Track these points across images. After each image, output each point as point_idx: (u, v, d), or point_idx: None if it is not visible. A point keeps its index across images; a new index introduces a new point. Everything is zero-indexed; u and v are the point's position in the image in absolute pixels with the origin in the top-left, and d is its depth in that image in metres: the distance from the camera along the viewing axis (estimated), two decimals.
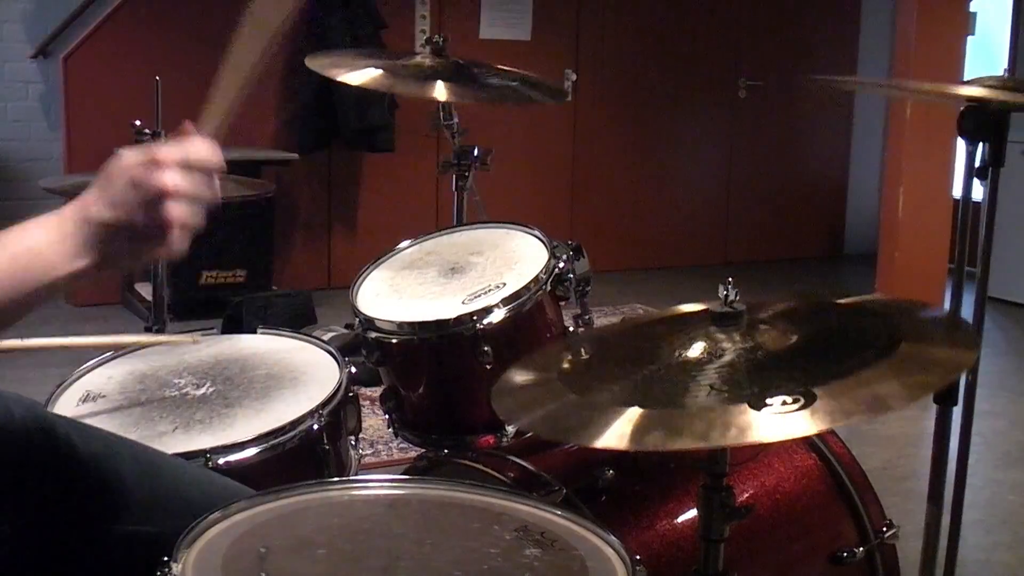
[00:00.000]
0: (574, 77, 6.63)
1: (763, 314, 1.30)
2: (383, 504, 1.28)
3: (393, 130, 5.94)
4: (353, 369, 1.91)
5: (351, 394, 1.88)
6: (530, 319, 1.99)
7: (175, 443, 1.67)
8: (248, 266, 5.42)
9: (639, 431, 1.11)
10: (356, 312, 2.06)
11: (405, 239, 2.29)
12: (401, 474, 1.75)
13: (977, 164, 1.91)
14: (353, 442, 1.92)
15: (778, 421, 1.08)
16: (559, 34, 6.60)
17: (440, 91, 2.37)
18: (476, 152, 2.57)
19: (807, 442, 1.80)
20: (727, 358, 1.22)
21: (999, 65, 6.69)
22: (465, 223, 2.48)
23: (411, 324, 2.00)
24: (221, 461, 1.64)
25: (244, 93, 1.28)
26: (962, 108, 1.86)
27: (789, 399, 1.09)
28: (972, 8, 5.15)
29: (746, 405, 1.10)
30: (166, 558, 1.08)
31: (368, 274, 2.19)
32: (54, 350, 1.89)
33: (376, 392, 2.17)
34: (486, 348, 1.92)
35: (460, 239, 2.27)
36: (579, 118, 6.75)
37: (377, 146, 5.92)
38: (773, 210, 7.42)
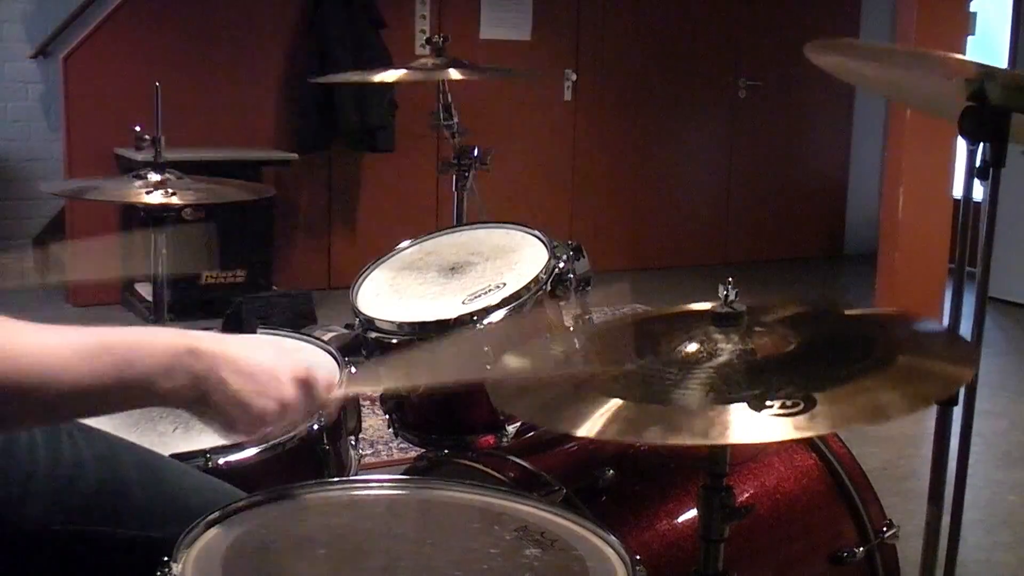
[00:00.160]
0: (574, 77, 6.66)
1: (763, 318, 1.30)
2: (383, 504, 1.28)
3: (393, 130, 5.94)
4: (353, 369, 1.91)
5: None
6: (530, 319, 1.99)
7: (175, 443, 1.67)
8: (248, 266, 5.42)
9: (615, 422, 1.11)
10: (356, 312, 2.06)
11: (405, 239, 2.29)
12: (401, 474, 1.75)
13: (977, 164, 1.91)
14: (353, 442, 1.92)
15: (778, 423, 1.08)
16: (559, 34, 6.60)
17: (451, 75, 2.38)
18: (476, 152, 2.57)
19: (807, 442, 1.80)
20: (722, 359, 1.22)
21: (999, 65, 6.68)
22: (465, 223, 2.48)
23: (411, 324, 2.00)
24: (221, 461, 1.64)
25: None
26: (963, 107, 1.86)
27: (789, 402, 1.09)
28: (972, 8, 5.15)
29: (745, 405, 1.10)
30: (166, 558, 1.08)
31: (368, 274, 2.19)
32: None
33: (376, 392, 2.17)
34: (486, 348, 1.92)
35: (460, 239, 2.27)
36: (579, 118, 6.75)
37: (377, 146, 5.92)
38: (773, 210, 7.42)
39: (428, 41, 2.54)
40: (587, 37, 6.70)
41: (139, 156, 2.74)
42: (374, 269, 2.21)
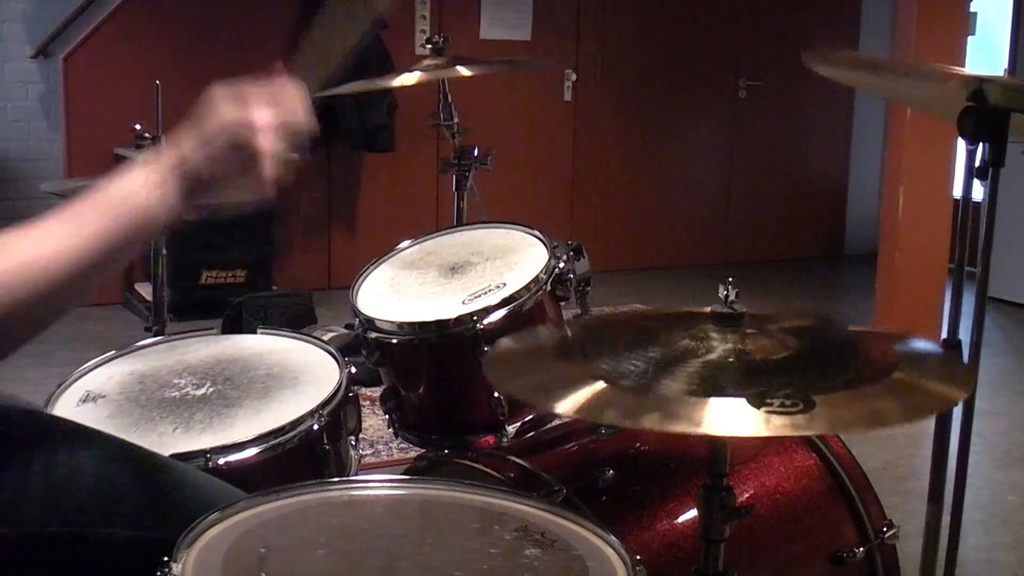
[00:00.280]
0: (574, 77, 6.66)
1: (763, 325, 1.30)
2: (383, 504, 1.28)
3: (393, 130, 5.94)
4: (353, 369, 1.91)
5: (351, 394, 1.88)
6: (530, 319, 1.99)
7: (175, 443, 1.67)
8: (248, 266, 5.42)
9: (597, 405, 1.12)
10: (356, 312, 2.06)
11: (405, 239, 2.29)
12: (401, 474, 1.75)
13: (977, 164, 1.91)
14: (353, 442, 1.92)
15: (777, 420, 1.08)
16: (559, 34, 6.60)
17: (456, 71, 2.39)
18: (476, 152, 2.57)
19: (807, 442, 1.80)
20: (716, 355, 1.22)
21: (999, 65, 6.69)
22: (465, 223, 2.48)
23: (411, 324, 2.00)
24: (221, 461, 1.64)
25: (350, 38, 1.33)
26: (962, 108, 1.86)
27: (788, 402, 1.10)
28: (972, 8, 5.15)
29: (744, 401, 1.10)
30: (166, 558, 1.08)
31: (368, 274, 2.19)
32: None
33: (376, 392, 2.17)
34: (486, 348, 1.92)
35: (460, 239, 2.27)
36: (579, 118, 6.76)
37: (377, 146, 5.92)
38: (773, 210, 7.42)
39: (428, 41, 2.54)
40: (587, 37, 6.70)
41: (139, 156, 2.74)
42: (374, 269, 2.21)
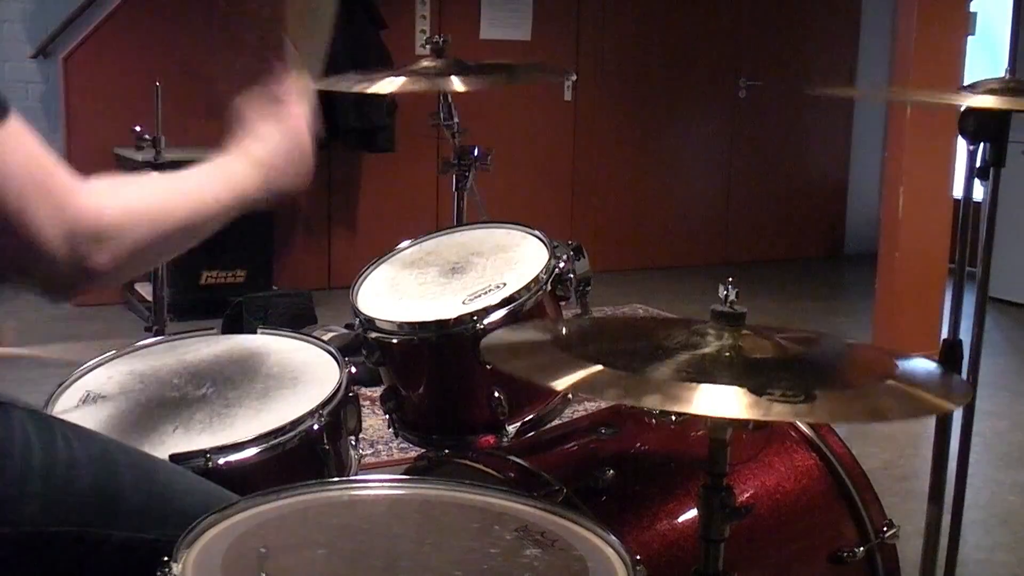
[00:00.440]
0: (574, 77, 6.66)
1: (762, 330, 1.31)
2: (383, 504, 1.28)
3: (393, 130, 5.94)
4: (353, 369, 1.91)
5: (351, 394, 1.88)
6: (530, 319, 1.99)
7: (175, 443, 1.67)
8: (248, 266, 5.42)
9: (596, 384, 1.14)
10: (356, 312, 2.06)
11: (405, 239, 2.29)
12: (401, 474, 1.75)
13: (978, 164, 1.91)
14: (353, 442, 1.92)
15: (779, 408, 1.08)
16: (559, 34, 6.60)
17: (455, 84, 2.38)
18: (476, 152, 2.57)
19: (807, 442, 1.80)
20: (709, 349, 1.22)
21: (1000, 65, 6.69)
22: (465, 223, 2.48)
23: (411, 324, 2.00)
24: (221, 461, 1.64)
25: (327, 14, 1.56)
26: (963, 108, 1.86)
27: (790, 392, 1.10)
28: (972, 8, 5.15)
29: (746, 390, 1.10)
30: (166, 558, 1.08)
31: (368, 274, 2.19)
32: None
33: (376, 392, 2.17)
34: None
35: (460, 239, 2.27)
36: (579, 118, 6.76)
37: (377, 146, 5.92)
38: (773, 210, 7.42)
39: (428, 41, 2.54)
40: (587, 37, 6.70)
41: (139, 156, 2.74)
42: (374, 269, 2.21)
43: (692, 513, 1.61)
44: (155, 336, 2.19)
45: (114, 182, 1.26)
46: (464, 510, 1.26)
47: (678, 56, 7.00)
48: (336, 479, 1.52)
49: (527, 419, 2.04)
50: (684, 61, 7.02)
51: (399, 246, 2.28)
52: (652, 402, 1.11)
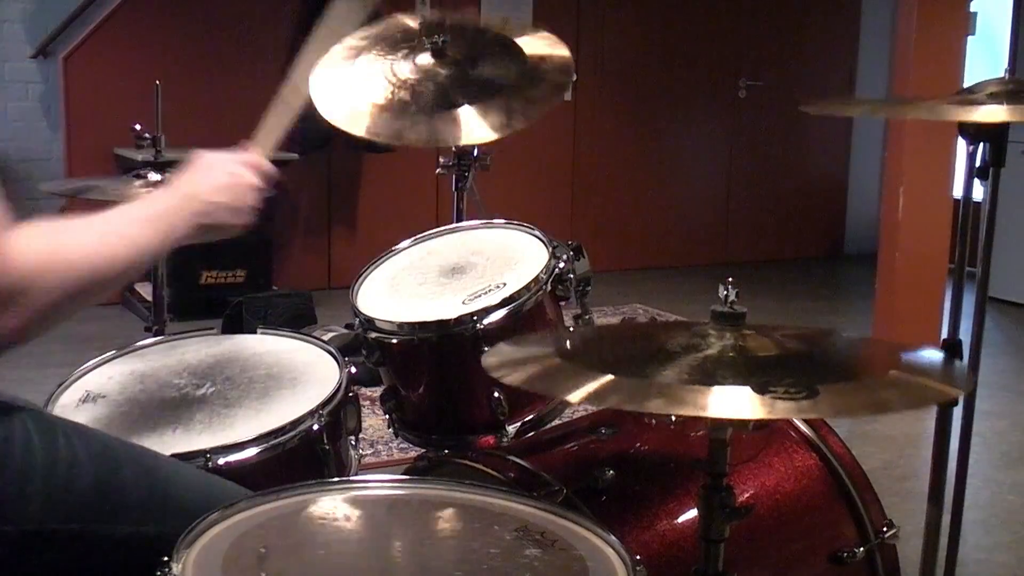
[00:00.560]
0: (574, 77, 6.66)
1: (762, 328, 1.31)
2: (383, 504, 1.28)
3: None
4: (353, 369, 1.91)
5: (351, 394, 1.88)
6: (530, 319, 1.99)
7: (175, 443, 1.67)
8: (248, 266, 5.42)
9: (600, 392, 1.14)
10: (356, 312, 2.06)
11: (405, 239, 2.29)
12: (401, 474, 1.75)
13: (977, 164, 1.91)
14: (353, 442, 1.92)
15: (782, 405, 1.08)
16: (559, 34, 6.57)
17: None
18: (476, 152, 2.57)
19: (807, 442, 1.80)
20: (712, 350, 1.22)
21: (1000, 65, 6.69)
22: (465, 223, 2.48)
23: (411, 324, 2.00)
24: (221, 461, 1.64)
25: (299, 111, 1.77)
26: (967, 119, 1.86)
27: (793, 389, 1.10)
28: (972, 8, 5.15)
29: (749, 388, 1.10)
30: (166, 558, 1.08)
31: (368, 274, 2.19)
32: None
33: (376, 392, 2.17)
34: (486, 348, 1.91)
35: (460, 239, 2.27)
36: (579, 118, 6.75)
37: (377, 146, 5.92)
38: (773, 210, 7.42)
39: (429, 42, 2.53)
40: (587, 37, 6.70)
41: (139, 156, 2.74)
42: (374, 269, 2.21)
43: (692, 513, 1.61)
44: (155, 336, 2.19)
45: (31, 233, 1.22)
46: (464, 510, 1.26)
47: (678, 56, 7.00)
48: (336, 479, 1.52)
49: (527, 419, 2.04)
50: (684, 61, 7.02)
51: (399, 246, 2.27)
52: (661, 407, 1.10)
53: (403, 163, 6.09)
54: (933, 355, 1.31)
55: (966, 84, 2.06)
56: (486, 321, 1.93)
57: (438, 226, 2.34)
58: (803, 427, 1.81)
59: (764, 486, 1.72)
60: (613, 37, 6.77)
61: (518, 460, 1.71)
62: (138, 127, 2.48)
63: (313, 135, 5.83)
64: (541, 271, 2.01)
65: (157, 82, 2.56)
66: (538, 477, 1.65)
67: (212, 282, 5.33)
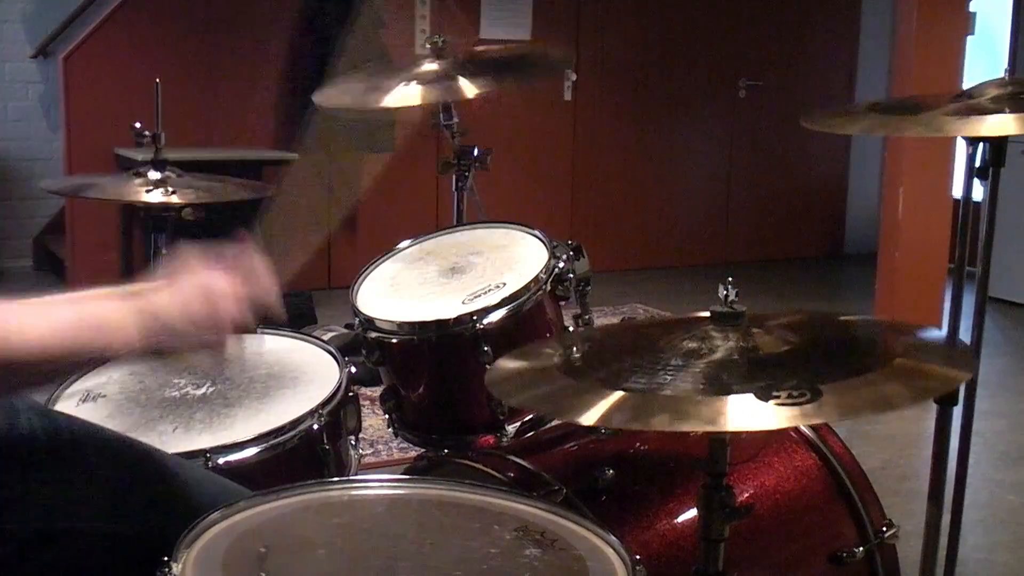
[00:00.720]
0: (574, 77, 6.66)
1: (762, 322, 1.31)
2: (383, 504, 1.28)
3: (393, 130, 5.93)
4: (353, 369, 1.91)
5: (351, 394, 1.88)
6: (530, 319, 1.99)
7: (175, 443, 1.67)
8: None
9: (619, 411, 1.13)
10: (356, 312, 2.06)
11: (405, 239, 2.29)
12: (401, 474, 1.75)
13: (977, 164, 1.91)
14: (353, 442, 1.92)
15: (786, 412, 1.08)
16: (559, 34, 6.60)
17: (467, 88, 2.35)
18: (476, 152, 2.57)
19: (807, 442, 1.80)
20: (721, 354, 1.22)
21: (1000, 65, 6.69)
22: (465, 223, 2.48)
23: (411, 324, 2.00)
24: (221, 461, 1.64)
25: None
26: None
27: (796, 392, 1.10)
28: (972, 8, 5.15)
29: (752, 395, 1.10)
30: (166, 558, 1.08)
31: (368, 274, 2.19)
32: None
33: (376, 392, 2.17)
34: (486, 348, 1.92)
35: (460, 239, 2.27)
36: (579, 118, 6.75)
37: (377, 146, 5.91)
38: (773, 210, 7.42)
39: (428, 41, 2.53)
40: (587, 37, 6.70)
41: (139, 155, 2.74)
42: (374, 269, 2.21)
43: (692, 513, 1.61)
44: None
45: None
46: (464, 510, 1.26)
47: (678, 56, 7.00)
48: (336, 479, 1.52)
49: (527, 419, 2.04)
50: (684, 61, 7.02)
51: (399, 246, 2.28)
52: (662, 423, 1.10)
53: (403, 163, 6.08)
54: (935, 337, 1.31)
55: (966, 84, 2.06)
56: (486, 321, 1.93)
57: (438, 226, 2.34)
58: (803, 427, 1.81)
59: (764, 486, 1.72)
60: (613, 37, 6.77)
61: (518, 460, 1.71)
62: (138, 126, 2.48)
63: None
64: (541, 271, 2.01)
65: (157, 81, 2.56)
66: (538, 477, 1.64)
67: None
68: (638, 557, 1.14)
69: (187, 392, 1.85)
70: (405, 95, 2.40)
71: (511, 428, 2.00)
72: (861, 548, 1.73)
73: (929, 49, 4.70)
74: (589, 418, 1.13)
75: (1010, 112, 1.79)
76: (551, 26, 6.55)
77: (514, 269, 2.06)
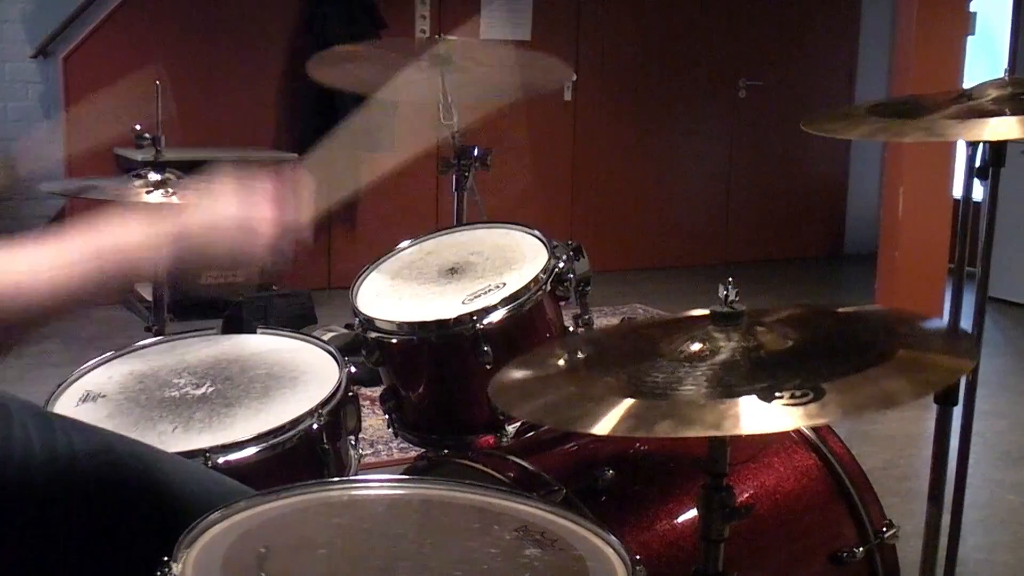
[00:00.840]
0: (574, 77, 6.66)
1: (762, 319, 1.30)
2: (383, 504, 1.28)
3: (393, 130, 5.93)
4: (353, 369, 1.91)
5: (351, 394, 1.88)
6: (530, 319, 1.99)
7: (175, 443, 1.67)
8: (248, 266, 5.41)
9: (625, 419, 1.12)
10: (356, 312, 2.06)
11: (405, 239, 2.29)
12: (401, 474, 1.75)
13: (977, 164, 1.91)
14: (353, 442, 1.92)
15: (789, 412, 1.08)
16: (559, 34, 6.60)
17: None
18: (476, 152, 2.57)
19: (807, 442, 1.80)
20: (724, 356, 1.22)
21: (1000, 65, 6.69)
22: (465, 223, 2.48)
23: (411, 324, 2.00)
24: (221, 461, 1.64)
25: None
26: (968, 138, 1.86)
27: (798, 392, 1.10)
28: (972, 8, 5.15)
29: (755, 397, 1.10)
30: (166, 558, 1.08)
31: (368, 274, 2.19)
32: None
33: (376, 392, 2.17)
34: (486, 348, 1.92)
35: (460, 239, 2.27)
36: (579, 118, 6.75)
37: (377, 146, 5.91)
38: (773, 210, 7.42)
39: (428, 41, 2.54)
40: (587, 37, 6.70)
41: (139, 156, 2.74)
42: (374, 269, 2.21)
43: (692, 513, 1.61)
44: (155, 336, 2.20)
45: None
46: (464, 510, 1.26)
47: (678, 56, 7.00)
48: (336, 479, 1.52)
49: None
50: (684, 61, 7.02)
51: (399, 246, 2.28)
52: (666, 430, 1.10)
53: (403, 163, 6.08)
54: (936, 326, 1.31)
55: (966, 84, 2.06)
56: (486, 321, 1.93)
57: (438, 226, 2.34)
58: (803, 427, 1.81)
59: (764, 486, 1.72)
60: (613, 37, 6.77)
61: (518, 460, 1.71)
62: (138, 127, 2.48)
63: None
64: (541, 271, 2.01)
65: (157, 82, 2.56)
66: (538, 477, 1.64)
67: (212, 282, 5.32)
68: (638, 557, 1.14)
69: (187, 392, 1.85)
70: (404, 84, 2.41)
71: (511, 428, 2.00)
72: (861, 548, 1.73)
73: (929, 49, 4.70)
74: (599, 429, 1.12)
75: (1011, 114, 1.78)
76: (551, 26, 6.55)
77: (514, 269, 2.06)
